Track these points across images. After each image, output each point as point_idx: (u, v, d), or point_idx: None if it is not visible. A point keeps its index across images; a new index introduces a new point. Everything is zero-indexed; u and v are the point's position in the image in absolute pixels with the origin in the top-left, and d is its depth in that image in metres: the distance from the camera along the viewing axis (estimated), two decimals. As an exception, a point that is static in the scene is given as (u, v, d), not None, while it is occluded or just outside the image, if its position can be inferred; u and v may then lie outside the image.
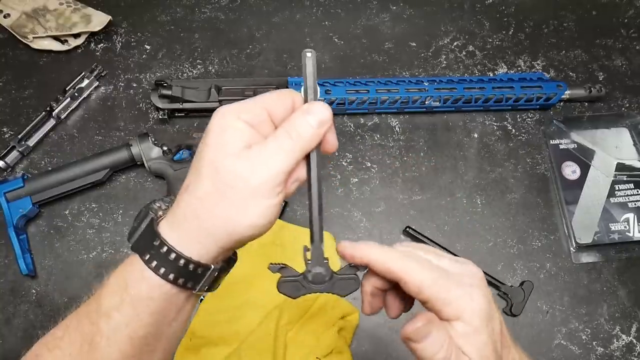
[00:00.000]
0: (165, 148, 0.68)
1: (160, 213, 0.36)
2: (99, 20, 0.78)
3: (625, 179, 0.70)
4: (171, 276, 0.33)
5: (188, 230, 0.33)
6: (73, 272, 0.66)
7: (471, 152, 0.73)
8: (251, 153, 0.32)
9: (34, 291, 0.65)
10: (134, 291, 0.33)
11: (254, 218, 0.32)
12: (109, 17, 0.78)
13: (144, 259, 0.33)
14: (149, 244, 0.33)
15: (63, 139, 0.73)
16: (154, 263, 0.33)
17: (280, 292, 0.37)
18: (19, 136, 0.70)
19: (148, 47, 0.80)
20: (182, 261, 0.33)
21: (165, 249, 0.33)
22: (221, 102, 0.71)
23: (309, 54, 0.36)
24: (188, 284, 0.34)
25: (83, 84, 0.75)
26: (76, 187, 0.67)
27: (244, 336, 0.59)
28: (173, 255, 0.33)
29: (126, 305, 0.33)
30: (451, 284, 0.33)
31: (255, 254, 0.63)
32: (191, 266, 0.33)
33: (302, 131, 0.33)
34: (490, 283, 0.65)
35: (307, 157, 0.35)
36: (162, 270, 0.33)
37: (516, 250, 0.67)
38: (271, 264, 0.37)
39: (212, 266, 0.34)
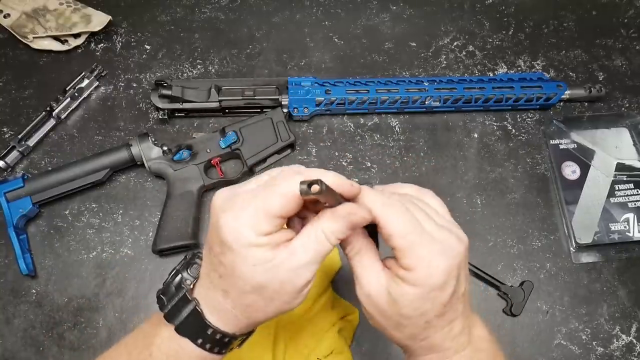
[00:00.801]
0: (165, 148, 0.68)
1: (192, 286, 0.39)
2: (99, 20, 0.78)
3: (625, 179, 0.70)
4: (208, 346, 0.38)
5: (232, 318, 0.37)
6: (73, 272, 0.66)
7: (471, 152, 0.73)
8: (285, 263, 0.34)
9: (34, 291, 0.65)
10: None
11: (294, 306, 0.37)
12: (109, 17, 0.78)
13: (195, 343, 0.37)
14: (200, 331, 0.37)
15: (63, 139, 0.73)
16: (200, 341, 0.37)
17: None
18: (19, 136, 0.70)
19: (148, 47, 0.80)
20: (220, 336, 0.38)
21: (211, 331, 0.37)
22: (221, 102, 0.71)
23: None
24: (223, 350, 0.39)
25: (83, 84, 0.75)
26: (76, 187, 0.67)
27: None
28: (218, 336, 0.37)
29: None
30: (421, 243, 0.35)
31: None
32: (227, 339, 0.38)
33: (329, 237, 0.36)
34: (490, 283, 0.65)
35: None
36: (205, 345, 0.38)
37: (516, 250, 0.67)
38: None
39: (245, 335, 0.40)
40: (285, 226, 0.38)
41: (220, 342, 0.38)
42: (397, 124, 0.75)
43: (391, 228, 0.36)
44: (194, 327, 0.37)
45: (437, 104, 0.73)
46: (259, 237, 0.34)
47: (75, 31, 0.77)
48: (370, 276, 0.38)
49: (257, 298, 0.35)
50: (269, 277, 0.34)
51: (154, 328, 0.39)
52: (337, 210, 0.35)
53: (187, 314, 0.37)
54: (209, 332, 0.37)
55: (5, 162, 0.69)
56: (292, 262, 0.34)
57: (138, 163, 0.68)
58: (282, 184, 0.34)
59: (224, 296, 0.36)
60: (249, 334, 0.41)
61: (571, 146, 0.72)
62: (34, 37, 0.77)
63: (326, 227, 0.35)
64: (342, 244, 0.38)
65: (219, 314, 0.37)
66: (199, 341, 0.37)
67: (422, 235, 0.36)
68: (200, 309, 0.37)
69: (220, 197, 0.37)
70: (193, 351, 0.37)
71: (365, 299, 0.38)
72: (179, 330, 0.37)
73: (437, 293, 0.36)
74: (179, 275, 0.40)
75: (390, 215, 0.36)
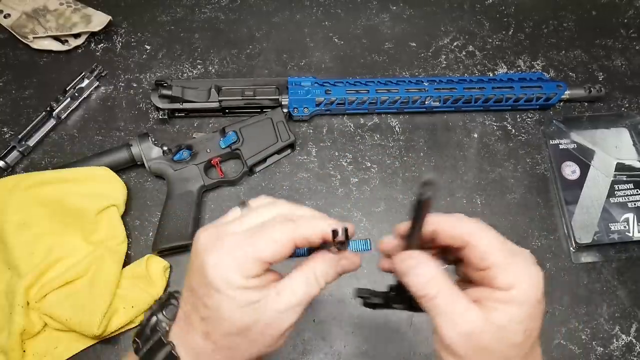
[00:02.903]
0: (165, 148, 0.68)
1: (167, 328, 0.37)
2: (99, 20, 0.78)
3: (625, 179, 0.70)
4: None
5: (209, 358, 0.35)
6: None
7: (471, 152, 0.73)
8: (271, 304, 0.33)
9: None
10: None
11: (276, 348, 0.35)
12: (109, 17, 0.78)
13: None
14: None
15: (63, 139, 0.73)
16: None
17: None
18: (19, 136, 0.70)
19: (148, 47, 0.80)
20: None
21: None
22: (221, 102, 0.71)
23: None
24: None
25: (83, 84, 0.75)
26: (76, 187, 0.67)
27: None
28: None
29: None
30: (515, 255, 0.33)
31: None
32: None
33: (319, 279, 0.35)
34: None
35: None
36: None
37: (516, 250, 0.67)
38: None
39: None
40: None
41: None
42: (397, 124, 0.75)
43: (484, 243, 0.33)
44: None
45: (437, 104, 0.73)
46: (247, 280, 0.33)
47: (75, 31, 0.77)
48: (464, 313, 0.32)
49: (240, 341, 0.34)
50: (255, 318, 0.33)
51: None
52: (328, 254, 0.35)
53: (162, 358, 0.35)
54: None
55: (6, 162, 0.69)
56: (280, 303, 0.33)
57: (138, 163, 0.68)
58: (276, 231, 0.33)
59: (205, 338, 0.34)
60: None
61: (571, 146, 0.72)
62: (34, 37, 0.77)
63: (319, 269, 0.35)
64: (417, 297, 0.34)
65: (197, 357, 0.35)
66: None
67: (512, 247, 0.34)
68: (176, 353, 0.35)
69: (204, 236, 0.35)
70: None
71: (464, 341, 0.32)
72: None
73: (541, 306, 0.33)
74: (154, 318, 0.38)
75: (480, 232, 0.34)
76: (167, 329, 0.37)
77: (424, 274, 0.34)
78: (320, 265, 0.35)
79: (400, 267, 0.35)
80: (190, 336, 0.35)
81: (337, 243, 0.34)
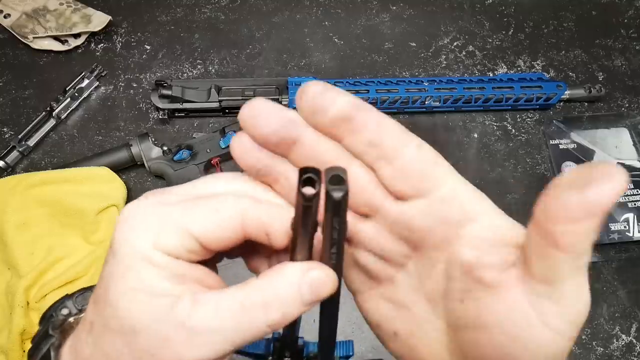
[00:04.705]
0: (165, 148, 0.68)
1: (69, 322, 0.29)
2: (99, 20, 0.78)
3: (625, 179, 0.70)
4: None
5: None
6: (73, 272, 0.66)
7: (471, 152, 0.73)
8: (180, 311, 0.21)
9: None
10: None
11: None
12: (109, 17, 0.78)
13: None
14: None
15: (63, 139, 0.73)
16: None
17: None
18: (19, 136, 0.70)
19: (148, 47, 0.80)
20: None
21: None
22: (221, 102, 0.71)
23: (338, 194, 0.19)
24: None
25: (83, 84, 0.75)
26: (76, 187, 0.67)
27: None
28: None
29: None
30: None
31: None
32: None
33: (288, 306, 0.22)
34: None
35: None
36: None
37: (516, 250, 0.67)
38: None
39: None
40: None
41: None
42: (397, 124, 0.75)
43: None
44: None
45: (437, 104, 0.73)
46: (159, 255, 0.21)
47: (75, 31, 0.77)
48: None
49: (120, 348, 0.21)
50: (148, 321, 0.21)
51: None
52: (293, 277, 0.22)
53: (41, 355, 0.26)
54: None
55: (6, 162, 0.69)
56: (194, 317, 0.21)
57: (138, 163, 0.68)
58: (222, 201, 0.22)
59: (88, 332, 0.23)
60: None
61: (571, 146, 0.72)
62: (34, 37, 0.77)
63: (270, 293, 0.21)
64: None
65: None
66: None
67: None
68: (54, 350, 0.25)
69: (130, 206, 0.23)
70: None
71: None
72: None
73: None
74: (63, 304, 0.29)
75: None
76: (60, 318, 0.29)
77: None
78: (278, 288, 0.21)
79: None
80: (81, 327, 0.24)
81: (304, 195, 0.20)
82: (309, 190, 0.19)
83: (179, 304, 0.21)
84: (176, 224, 0.22)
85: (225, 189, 0.24)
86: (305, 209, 0.20)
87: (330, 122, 0.22)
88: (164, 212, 0.22)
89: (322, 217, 0.21)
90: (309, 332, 0.32)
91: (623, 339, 0.63)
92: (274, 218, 0.23)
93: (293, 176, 0.23)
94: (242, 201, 0.22)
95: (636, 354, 0.62)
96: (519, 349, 0.21)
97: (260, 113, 0.22)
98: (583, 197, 0.17)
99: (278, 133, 0.22)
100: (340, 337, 0.27)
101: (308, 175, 0.19)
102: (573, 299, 0.21)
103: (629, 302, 0.65)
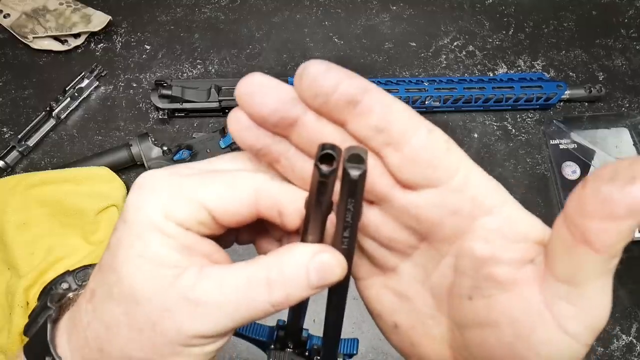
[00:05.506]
0: (165, 148, 0.68)
1: (68, 297, 0.28)
2: (99, 20, 0.78)
3: (625, 179, 0.70)
4: None
5: (81, 346, 0.23)
6: (73, 272, 0.66)
7: (471, 152, 0.73)
8: (184, 281, 0.21)
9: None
10: None
11: None
12: (109, 17, 0.78)
13: None
14: (40, 356, 0.24)
15: (63, 139, 0.73)
16: None
17: None
18: (19, 136, 0.70)
19: (148, 47, 0.80)
20: None
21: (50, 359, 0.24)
22: (221, 102, 0.71)
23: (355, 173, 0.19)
24: None
25: (83, 84, 0.75)
26: (76, 187, 0.67)
27: None
28: None
29: None
30: None
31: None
32: None
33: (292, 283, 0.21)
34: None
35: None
36: None
37: (516, 250, 0.67)
38: None
39: None
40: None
41: None
42: (397, 124, 0.75)
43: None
44: (37, 348, 0.24)
45: (437, 104, 0.73)
46: (166, 221, 0.21)
47: (75, 31, 0.77)
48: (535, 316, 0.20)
49: (120, 316, 0.21)
50: (151, 290, 0.20)
51: None
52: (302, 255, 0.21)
53: (37, 328, 0.25)
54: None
55: (5, 162, 0.69)
56: (197, 289, 0.20)
57: (138, 163, 0.68)
58: (236, 176, 0.22)
59: (89, 300, 0.22)
60: None
61: (571, 146, 0.72)
62: (34, 37, 0.77)
63: (276, 270, 0.21)
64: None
65: (71, 332, 0.23)
66: None
67: None
68: (51, 323, 0.24)
69: (143, 176, 0.22)
70: None
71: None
72: (25, 349, 0.25)
73: None
74: (64, 279, 0.28)
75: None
76: (61, 292, 0.28)
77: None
78: (285, 268, 0.21)
79: None
80: (81, 298, 0.24)
81: (320, 170, 0.19)
82: (326, 167, 0.19)
83: (184, 275, 0.21)
84: (190, 194, 0.21)
85: (242, 167, 0.23)
86: (320, 185, 0.19)
87: (333, 106, 0.20)
88: (179, 183, 0.22)
89: (338, 201, 0.20)
90: (314, 330, 0.32)
91: (623, 339, 0.63)
92: (288, 196, 0.22)
93: (294, 156, 0.22)
94: (257, 177, 0.22)
95: (636, 354, 0.62)
96: (529, 352, 0.20)
97: (257, 89, 0.21)
98: (627, 193, 0.16)
99: (277, 113, 0.21)
100: (341, 335, 0.26)
101: (326, 152, 0.19)
102: (595, 303, 0.19)
103: (629, 302, 0.64)
